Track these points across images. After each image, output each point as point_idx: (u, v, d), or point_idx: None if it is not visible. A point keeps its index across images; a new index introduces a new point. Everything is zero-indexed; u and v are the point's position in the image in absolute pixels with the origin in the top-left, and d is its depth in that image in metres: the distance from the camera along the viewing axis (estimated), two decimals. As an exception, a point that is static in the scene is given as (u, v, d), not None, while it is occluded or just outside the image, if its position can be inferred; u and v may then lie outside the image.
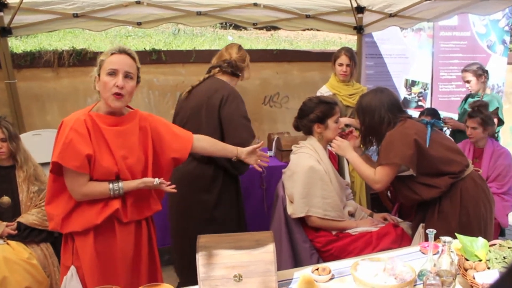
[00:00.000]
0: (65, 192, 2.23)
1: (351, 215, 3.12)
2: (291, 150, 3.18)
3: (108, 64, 2.24)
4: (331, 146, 3.09)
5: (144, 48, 5.56)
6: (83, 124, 2.17)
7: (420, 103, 6.10)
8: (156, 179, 2.26)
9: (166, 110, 5.17)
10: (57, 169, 2.20)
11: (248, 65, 3.20)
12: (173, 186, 2.35)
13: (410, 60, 5.98)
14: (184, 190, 3.00)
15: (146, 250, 2.37)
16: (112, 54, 2.26)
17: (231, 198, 3.18)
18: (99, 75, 2.28)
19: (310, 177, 2.88)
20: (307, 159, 2.94)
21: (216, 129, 2.99)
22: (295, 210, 2.91)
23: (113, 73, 2.23)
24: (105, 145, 2.20)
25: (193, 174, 3.07)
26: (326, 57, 4.99)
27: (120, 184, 2.21)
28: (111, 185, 2.19)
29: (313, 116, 3.02)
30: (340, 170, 3.87)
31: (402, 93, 6.03)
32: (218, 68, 3.12)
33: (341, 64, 4.12)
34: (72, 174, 2.16)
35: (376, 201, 4.55)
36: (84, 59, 4.94)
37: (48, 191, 2.28)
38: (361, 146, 3.05)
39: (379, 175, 2.79)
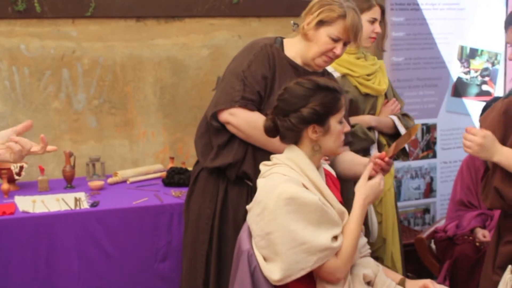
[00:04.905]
0: None
1: (368, 283, 2.56)
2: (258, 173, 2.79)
3: None
4: (328, 161, 2.81)
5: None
6: None
7: (485, 87, 5.26)
8: None
9: (45, 101, 4.08)
10: None
11: (311, 11, 2.81)
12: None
13: (468, 13, 4.95)
14: None
15: None
16: None
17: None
18: None
19: (292, 212, 2.31)
20: (283, 182, 2.42)
21: None
22: (283, 269, 2.33)
23: None
24: None
25: None
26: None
27: None
28: None
29: (308, 111, 2.45)
30: (347, 205, 3.19)
31: (455, 71, 4.99)
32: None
33: (373, 20, 3.44)
34: None
35: (411, 257, 3.88)
36: None
37: None
38: None
39: None
